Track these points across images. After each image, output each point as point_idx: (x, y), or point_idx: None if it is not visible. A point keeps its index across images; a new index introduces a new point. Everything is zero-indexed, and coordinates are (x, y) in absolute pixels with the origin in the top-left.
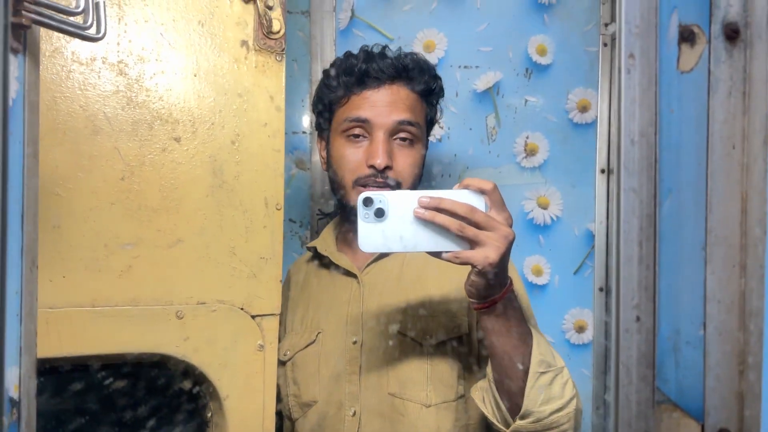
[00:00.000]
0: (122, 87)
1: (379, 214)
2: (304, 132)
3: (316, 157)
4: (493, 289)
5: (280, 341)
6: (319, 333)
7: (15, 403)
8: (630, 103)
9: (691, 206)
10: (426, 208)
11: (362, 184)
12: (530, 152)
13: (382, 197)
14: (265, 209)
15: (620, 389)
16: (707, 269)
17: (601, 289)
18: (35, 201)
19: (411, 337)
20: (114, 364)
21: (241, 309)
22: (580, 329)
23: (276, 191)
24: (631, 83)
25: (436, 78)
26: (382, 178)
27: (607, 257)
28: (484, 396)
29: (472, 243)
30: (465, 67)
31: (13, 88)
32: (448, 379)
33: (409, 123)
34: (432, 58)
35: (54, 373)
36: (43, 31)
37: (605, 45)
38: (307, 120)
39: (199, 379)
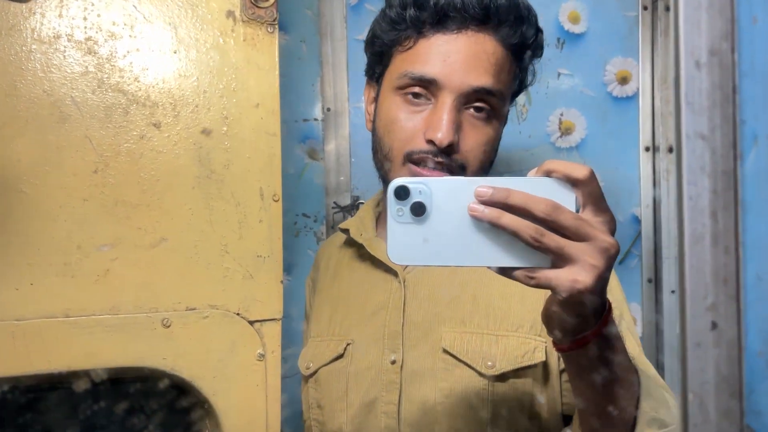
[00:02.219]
0: (92, 67)
1: (419, 210)
2: (315, 119)
3: (330, 146)
4: (584, 323)
5: (303, 345)
6: (348, 344)
7: None
8: (693, 9)
9: None
10: (486, 203)
11: (416, 160)
12: (565, 131)
13: (423, 186)
14: (261, 201)
15: (690, 430)
16: None
17: (650, 281)
18: None
19: (466, 363)
20: (92, 381)
21: (237, 314)
22: None
23: (272, 180)
24: None
25: (537, 29)
26: (442, 157)
27: (656, 244)
28: None
29: (555, 258)
30: None
31: None
32: (516, 421)
33: (490, 92)
34: None
35: (23, 394)
36: None
37: (645, 8)
38: (318, 106)
39: (192, 394)
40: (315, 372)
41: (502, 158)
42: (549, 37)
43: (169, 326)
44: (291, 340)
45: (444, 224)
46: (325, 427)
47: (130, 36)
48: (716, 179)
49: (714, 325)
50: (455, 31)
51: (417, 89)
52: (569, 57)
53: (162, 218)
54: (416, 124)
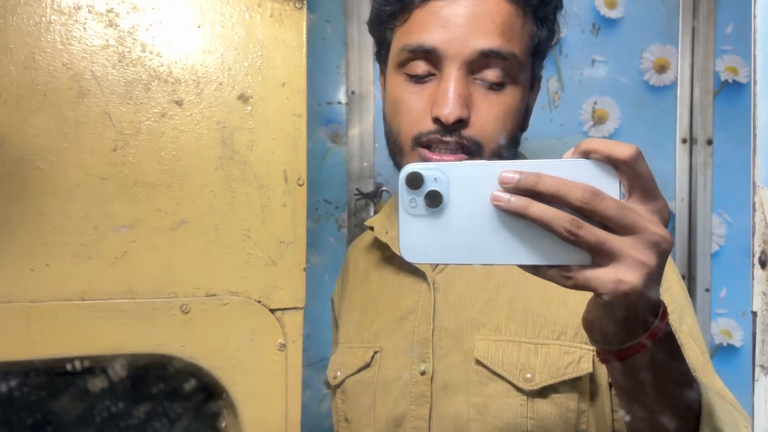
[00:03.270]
0: (113, 41)
1: (435, 200)
2: (339, 102)
3: (353, 131)
4: (633, 330)
5: (333, 346)
6: (376, 352)
7: None
8: None
9: None
10: (512, 190)
11: (425, 144)
12: (599, 120)
13: (438, 173)
14: (285, 185)
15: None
16: None
17: (683, 277)
18: None
19: (502, 376)
20: (107, 367)
21: (258, 302)
22: None
23: (297, 163)
24: None
25: None
26: (452, 136)
27: (690, 241)
28: None
29: (596, 254)
30: None
31: None
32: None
33: (499, 55)
34: None
35: (37, 377)
36: None
37: None
38: (342, 89)
39: (210, 383)
40: (342, 382)
41: (532, 146)
42: (584, 22)
43: (188, 312)
44: (308, 326)
45: (464, 216)
46: None
47: (152, 9)
48: None
49: None
50: None
51: (419, 63)
52: (605, 43)
53: (183, 200)
54: (422, 103)
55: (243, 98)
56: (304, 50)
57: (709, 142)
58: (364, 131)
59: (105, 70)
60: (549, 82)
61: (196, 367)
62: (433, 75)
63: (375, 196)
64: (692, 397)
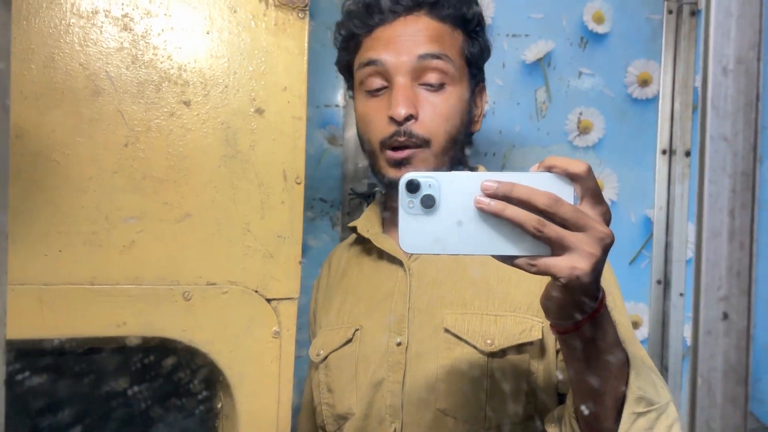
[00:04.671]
0: (127, 43)
1: (428, 203)
2: (336, 105)
3: (349, 133)
4: (581, 307)
5: (312, 339)
6: (357, 330)
7: None
8: (724, 16)
9: None
10: (492, 196)
11: (388, 145)
12: (584, 130)
13: (432, 180)
14: (284, 183)
15: (698, 412)
16: None
17: (659, 282)
18: (6, 156)
19: (467, 341)
20: (114, 348)
21: (255, 292)
22: (634, 325)
23: (296, 163)
24: None
25: (470, 2)
26: (405, 134)
27: (666, 248)
28: (561, 430)
29: (555, 247)
30: (513, 35)
31: None
32: (513, 397)
33: (435, 56)
34: None
35: (48, 356)
36: None
37: (670, 12)
38: (340, 92)
39: (208, 366)
40: (325, 358)
41: (519, 153)
42: (572, 36)
43: (189, 299)
44: (301, 318)
45: (452, 215)
46: (335, 409)
47: (165, 15)
48: (736, 179)
49: (725, 316)
50: (392, 21)
51: (374, 79)
52: (591, 57)
53: (187, 194)
54: (381, 112)
55: (255, 109)
56: (305, 57)
57: (687, 154)
58: None
59: (119, 70)
60: (537, 92)
61: (195, 351)
62: (386, 87)
63: (368, 196)
64: (623, 362)
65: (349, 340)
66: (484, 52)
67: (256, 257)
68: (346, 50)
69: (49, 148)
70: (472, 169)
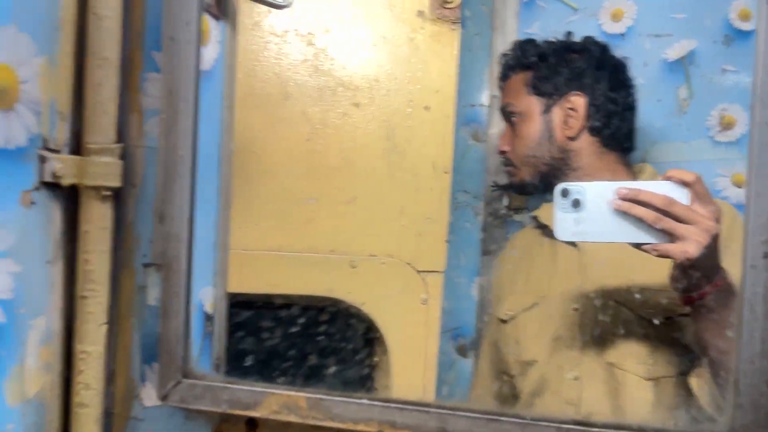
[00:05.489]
0: (310, 56)
1: (576, 204)
2: (481, 105)
3: (492, 130)
4: (697, 283)
5: (498, 302)
6: (542, 297)
7: (210, 318)
8: None
9: None
10: (624, 199)
11: None
12: (726, 125)
13: (579, 188)
14: (433, 172)
15: (744, 326)
16: None
17: None
18: (230, 148)
19: (632, 309)
20: (293, 305)
21: (408, 264)
22: None
23: (444, 156)
24: None
25: (526, 50)
26: (505, 162)
27: None
28: (702, 385)
29: (670, 236)
30: (656, 35)
31: (216, 50)
32: (670, 355)
33: (504, 108)
34: (620, 28)
35: (244, 307)
36: (244, 6)
37: None
38: (486, 93)
39: (367, 325)
40: (514, 317)
41: (660, 149)
42: (716, 34)
43: (355, 267)
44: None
45: (595, 213)
46: (520, 357)
47: (340, 31)
48: None
49: (765, 255)
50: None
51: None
52: (735, 54)
53: (355, 180)
54: None
55: (412, 109)
56: (456, 63)
57: None
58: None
59: (304, 78)
60: (679, 90)
61: (357, 311)
62: None
63: (509, 189)
64: None
65: (536, 304)
66: (558, 67)
67: (409, 235)
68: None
69: (249, 141)
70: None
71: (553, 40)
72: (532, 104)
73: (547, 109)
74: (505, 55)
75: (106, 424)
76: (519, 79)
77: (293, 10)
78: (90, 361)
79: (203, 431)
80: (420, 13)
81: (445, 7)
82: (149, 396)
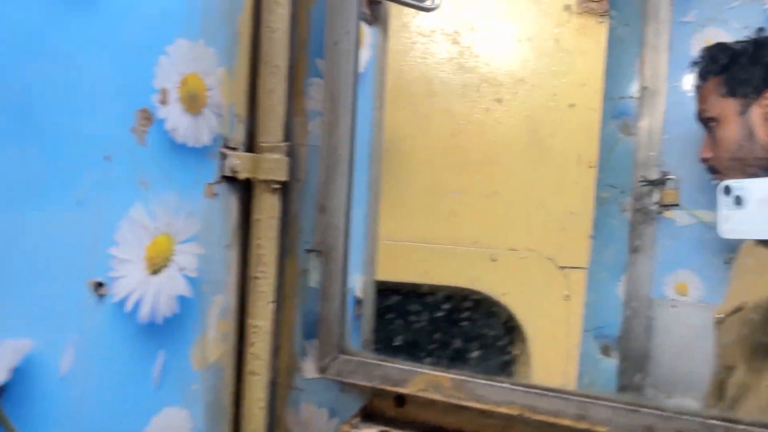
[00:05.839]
0: (455, 54)
1: (738, 201)
2: (631, 97)
3: (643, 123)
4: None
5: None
6: (745, 302)
7: (359, 302)
8: None
9: None
10: None
11: None
12: None
13: (740, 185)
14: (577, 167)
15: None
16: None
17: None
18: (380, 145)
19: None
20: (435, 294)
21: (549, 259)
22: None
23: (590, 149)
24: None
25: (716, 56)
26: (710, 169)
27: None
28: None
29: None
30: None
31: (368, 53)
32: None
33: (700, 114)
34: None
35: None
36: (393, 8)
37: None
38: (635, 85)
39: (507, 318)
40: (723, 320)
41: None
42: None
43: (495, 260)
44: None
45: (758, 209)
46: (721, 359)
47: (485, 29)
48: None
49: None
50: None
51: None
52: None
53: (496, 175)
54: None
55: (556, 103)
56: (603, 56)
57: None
58: (653, 123)
59: (448, 76)
60: None
61: (497, 302)
62: None
63: (660, 183)
64: None
65: (740, 309)
66: (751, 66)
67: (551, 229)
68: None
69: (396, 138)
70: None
71: (744, 39)
72: (728, 107)
73: (744, 110)
74: (695, 63)
75: (271, 392)
76: (712, 84)
77: (439, 10)
78: (260, 335)
79: (356, 405)
80: (567, 8)
81: (592, 0)
82: (309, 369)
